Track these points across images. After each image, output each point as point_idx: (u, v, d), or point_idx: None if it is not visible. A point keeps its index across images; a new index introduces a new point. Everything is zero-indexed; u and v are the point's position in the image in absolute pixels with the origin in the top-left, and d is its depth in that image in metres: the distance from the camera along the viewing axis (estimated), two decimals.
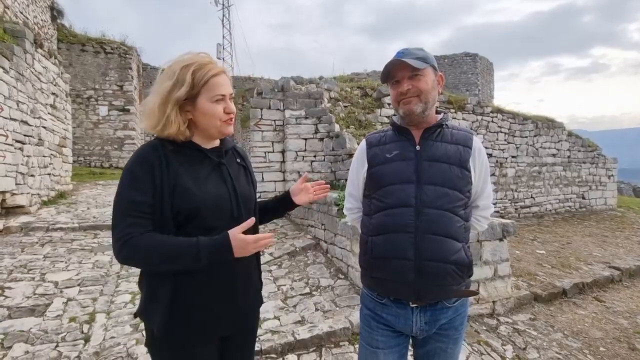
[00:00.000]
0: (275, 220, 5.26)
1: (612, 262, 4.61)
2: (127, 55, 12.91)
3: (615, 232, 6.54)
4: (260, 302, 1.27)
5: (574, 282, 3.82)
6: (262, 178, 5.52)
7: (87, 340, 2.44)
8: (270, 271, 3.65)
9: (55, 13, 12.28)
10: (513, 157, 7.66)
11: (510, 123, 7.66)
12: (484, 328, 2.99)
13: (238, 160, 1.22)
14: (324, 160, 5.55)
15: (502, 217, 7.43)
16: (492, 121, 7.42)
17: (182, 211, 1.00)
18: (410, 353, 1.38)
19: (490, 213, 1.42)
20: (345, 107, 6.33)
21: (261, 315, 2.79)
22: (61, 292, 3.05)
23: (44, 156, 5.67)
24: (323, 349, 2.48)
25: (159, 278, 1.03)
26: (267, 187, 5.54)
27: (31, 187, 5.14)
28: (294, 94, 5.57)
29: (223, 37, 22.81)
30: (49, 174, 5.85)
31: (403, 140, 1.29)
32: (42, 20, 11.15)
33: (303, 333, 2.54)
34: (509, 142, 7.62)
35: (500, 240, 3.33)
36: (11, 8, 8.70)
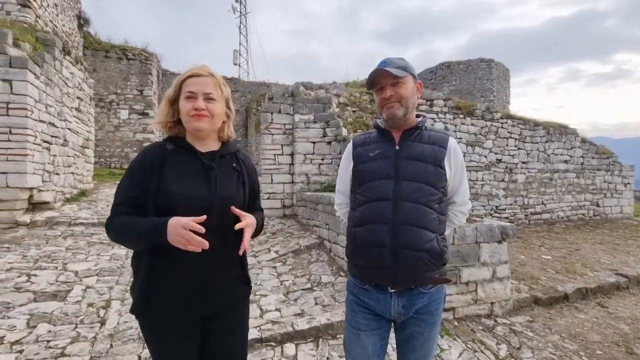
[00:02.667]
0: (282, 221, 5.46)
1: (620, 269, 4.55)
2: (147, 62, 13.45)
3: (628, 240, 6.40)
4: (245, 291, 1.34)
5: (577, 287, 3.81)
6: (272, 180, 5.71)
7: (102, 323, 2.64)
8: (274, 267, 3.80)
9: (82, 21, 12.95)
10: (523, 162, 7.61)
11: (521, 129, 7.63)
12: (480, 328, 3.05)
13: (234, 164, 1.27)
14: (331, 163, 5.70)
15: (511, 222, 7.38)
16: (502, 127, 7.41)
17: (161, 208, 1.10)
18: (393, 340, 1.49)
19: (467, 209, 1.53)
20: (353, 111, 6.48)
21: (263, 307, 2.96)
22: (81, 280, 3.29)
23: (68, 156, 6.04)
24: (320, 340, 2.60)
25: (140, 258, 1.15)
26: (276, 189, 5.73)
27: (56, 185, 5.50)
28: (303, 99, 5.76)
29: (240, 43, 23.41)
30: (72, 173, 6.22)
31: (384, 141, 1.42)
32: (69, 28, 11.78)
33: (302, 324, 2.68)
34: (519, 148, 7.58)
35: (499, 242, 3.39)
36: (42, 17, 9.27)
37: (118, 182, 1.23)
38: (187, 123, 1.18)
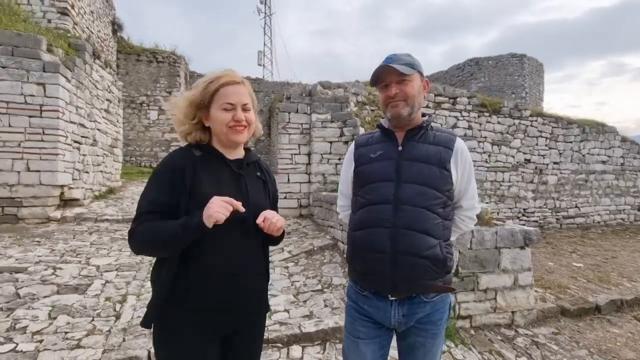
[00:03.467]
0: (298, 221, 5.45)
1: None
2: (176, 64, 13.94)
3: None
4: (265, 308, 1.30)
5: (610, 299, 3.52)
6: (288, 179, 5.72)
7: (118, 317, 2.73)
8: (287, 267, 3.80)
9: (116, 27, 13.60)
10: (555, 163, 7.17)
11: (553, 127, 7.19)
12: (499, 338, 2.89)
13: (258, 173, 1.25)
14: None
15: (541, 227, 6.98)
16: (531, 125, 7.02)
17: (198, 214, 1.03)
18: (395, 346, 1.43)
19: (475, 213, 1.44)
20: (372, 110, 6.36)
21: (272, 308, 2.95)
22: (101, 275, 3.43)
23: (97, 155, 6.36)
24: (327, 344, 2.56)
25: (161, 273, 1.09)
26: (292, 188, 5.73)
27: (85, 183, 5.80)
28: (321, 98, 5.72)
29: (264, 44, 23.77)
30: (101, 172, 6.54)
31: (387, 142, 1.36)
32: (104, 34, 12.42)
33: (309, 327, 2.64)
34: (550, 148, 7.15)
35: (522, 248, 3.19)
36: (79, 24, 9.87)
37: (146, 181, 1.14)
38: (224, 134, 1.13)
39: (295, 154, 5.75)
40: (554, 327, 3.12)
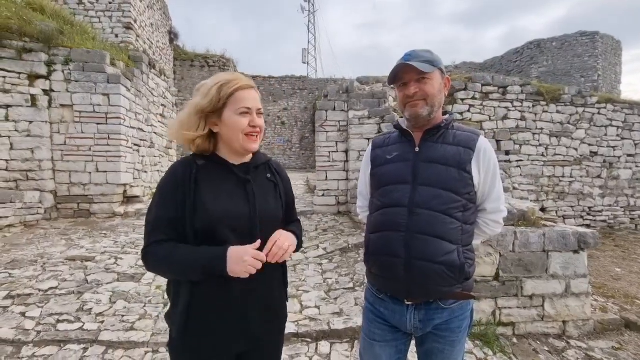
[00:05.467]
0: (335, 218, 5.48)
1: None
2: (225, 67, 14.76)
3: None
4: (282, 320, 1.25)
5: None
6: (326, 177, 5.78)
7: (166, 304, 3.00)
8: (320, 265, 3.85)
9: (173, 36, 14.76)
10: (629, 155, 6.30)
11: (626, 114, 6.31)
12: (546, 349, 2.66)
13: (268, 175, 1.20)
14: None
15: (611, 227, 6.21)
16: (599, 113, 6.23)
17: (200, 229, 1.02)
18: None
19: (501, 217, 1.35)
20: None
21: (303, 303, 3.03)
22: None
23: (155, 156, 6.98)
24: (356, 342, 2.57)
25: (180, 287, 1.06)
26: (330, 186, 5.78)
27: (144, 181, 6.41)
28: (358, 94, 5.67)
29: (308, 42, 23.98)
30: (158, 171, 7.17)
31: (404, 142, 1.33)
32: (162, 43, 13.54)
33: (338, 324, 2.68)
34: (623, 138, 6.30)
35: (575, 252, 2.89)
36: (141, 37, 10.97)
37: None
38: (239, 142, 1.09)
39: (332, 152, 5.78)
40: (615, 341, 2.79)
